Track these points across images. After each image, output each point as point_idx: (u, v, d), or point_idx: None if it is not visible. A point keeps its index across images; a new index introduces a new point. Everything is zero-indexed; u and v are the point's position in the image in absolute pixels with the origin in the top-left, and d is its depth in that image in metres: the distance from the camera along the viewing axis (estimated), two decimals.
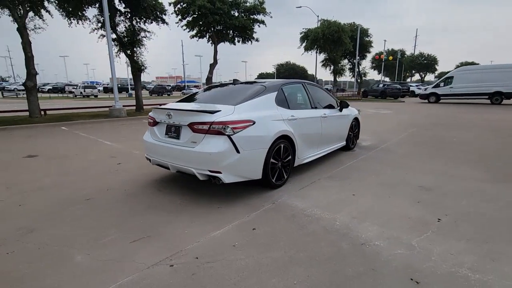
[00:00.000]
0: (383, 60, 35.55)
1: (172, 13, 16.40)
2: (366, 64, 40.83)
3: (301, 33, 29.08)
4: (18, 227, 2.86)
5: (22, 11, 10.75)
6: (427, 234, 2.70)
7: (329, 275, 2.14)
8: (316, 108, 4.86)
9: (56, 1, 12.20)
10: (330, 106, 5.48)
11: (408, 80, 58.66)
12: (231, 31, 18.85)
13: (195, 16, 16.84)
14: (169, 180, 4.29)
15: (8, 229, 2.84)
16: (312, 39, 27.31)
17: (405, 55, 52.02)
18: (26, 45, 10.52)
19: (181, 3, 16.12)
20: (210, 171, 3.29)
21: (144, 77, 16.82)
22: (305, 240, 2.62)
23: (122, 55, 13.89)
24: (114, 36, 13.25)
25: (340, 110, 5.58)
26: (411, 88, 32.06)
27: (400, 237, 2.65)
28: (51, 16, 12.20)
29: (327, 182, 4.20)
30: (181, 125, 3.50)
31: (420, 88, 28.14)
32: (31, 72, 10.72)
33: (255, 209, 3.28)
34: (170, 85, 58.43)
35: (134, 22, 13.63)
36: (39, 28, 11.20)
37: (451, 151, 6.04)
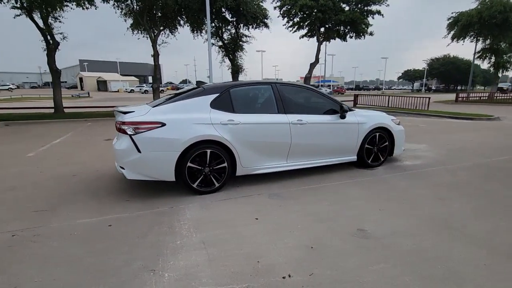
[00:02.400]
0: None
1: (278, 16, 17.08)
2: None
3: (448, 18, 23.28)
4: (10, 185, 4.18)
5: (156, 31, 14.17)
6: (229, 287, 2.04)
7: None
8: (288, 113, 4.17)
9: (189, 22, 15.23)
10: (332, 112, 4.54)
11: None
12: (341, 26, 17.67)
13: (300, 16, 16.85)
14: None
15: (3, 183, 4.18)
16: (463, 25, 21.37)
17: None
18: (155, 56, 13.84)
19: (286, 6, 16.49)
20: (120, 166, 3.62)
21: (289, 77, 18.68)
22: (108, 256, 2.54)
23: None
24: (220, 43, 15.25)
25: (342, 117, 4.50)
26: None
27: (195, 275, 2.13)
28: (178, 33, 15.42)
29: (259, 199, 3.63)
30: None
31: None
32: (156, 77, 14.04)
33: (146, 209, 3.36)
34: None
35: (238, 30, 15.18)
36: (165, 43, 14.44)
37: None
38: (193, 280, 2.11)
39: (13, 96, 36.34)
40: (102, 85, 64.58)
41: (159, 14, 14.26)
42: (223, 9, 14.97)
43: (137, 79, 69.30)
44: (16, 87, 62.98)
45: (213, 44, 15.36)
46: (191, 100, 3.81)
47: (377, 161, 4.97)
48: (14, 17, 13.14)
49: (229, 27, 15.35)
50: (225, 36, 15.21)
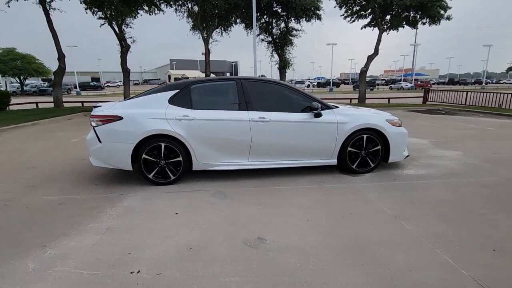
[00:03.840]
0: None
1: (334, 7, 16.02)
2: None
3: None
4: (34, 164, 5.16)
5: (209, 31, 15.06)
6: (79, 271, 2.17)
7: None
8: (251, 110, 4.01)
9: (239, 19, 15.79)
10: (307, 110, 4.19)
11: None
12: (411, 12, 15.53)
13: (360, 4, 15.45)
14: None
15: (31, 161, 5.18)
16: None
17: None
18: (206, 54, 14.75)
19: None
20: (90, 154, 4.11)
21: (370, 71, 17.58)
22: (31, 229, 2.95)
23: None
24: (270, 39, 15.23)
25: (316, 115, 4.08)
26: None
27: None
28: (231, 31, 16.05)
29: (201, 195, 3.63)
30: None
31: None
32: (206, 73, 14.96)
33: (100, 193, 3.74)
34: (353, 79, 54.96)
35: (287, 24, 14.89)
36: (216, 41, 15.23)
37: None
38: (62, 260, 2.32)
39: (116, 92, 43.72)
40: None
41: (216, 12, 15.05)
42: (274, 3, 14.87)
43: (214, 75, 74.61)
44: (123, 84, 75.56)
45: (262, 40, 15.48)
46: (151, 96, 4.04)
47: (365, 167, 4.34)
48: (100, 26, 15.78)
49: (279, 22, 15.16)
50: (274, 31, 15.07)
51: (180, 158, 3.93)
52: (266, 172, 4.35)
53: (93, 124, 3.88)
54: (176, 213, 3.15)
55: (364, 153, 4.30)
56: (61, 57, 13.70)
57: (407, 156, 4.59)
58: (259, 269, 2.17)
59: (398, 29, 17.03)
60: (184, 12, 15.68)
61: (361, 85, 15.78)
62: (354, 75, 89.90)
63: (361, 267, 2.16)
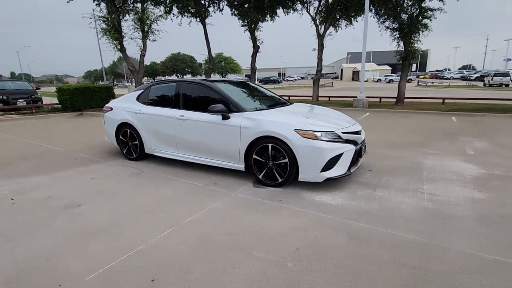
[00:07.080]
0: None
1: None
2: None
3: None
4: (98, 141, 7.88)
5: (326, 26, 14.66)
6: None
7: None
8: (182, 108, 4.55)
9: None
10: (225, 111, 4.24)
11: None
12: None
13: None
14: None
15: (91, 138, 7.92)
16: None
17: None
18: (318, 50, 14.53)
19: None
20: None
21: None
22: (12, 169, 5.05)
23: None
24: (395, 25, 12.83)
25: (224, 118, 4.05)
26: None
27: None
28: (356, 21, 14.80)
29: (128, 171, 4.66)
30: None
31: None
32: (317, 69, 14.75)
33: (99, 159, 5.57)
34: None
35: (421, 3, 11.92)
36: (331, 35, 14.53)
37: None
38: (8, 186, 4.17)
39: (291, 85, 49.10)
40: (355, 75, 69.30)
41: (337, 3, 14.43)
42: None
43: (390, 68, 67.21)
44: (301, 78, 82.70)
45: (387, 27, 13.07)
46: (131, 93, 5.41)
47: (273, 180, 3.81)
48: (244, 32, 18.88)
49: (414, 1, 12.15)
50: (403, 15, 12.19)
51: (137, 142, 5.12)
52: (197, 166, 4.72)
53: (104, 112, 5.76)
54: (92, 178, 4.42)
55: (272, 164, 3.78)
56: (210, 60, 17.81)
57: (333, 177, 3.53)
58: (34, 220, 3.08)
59: None
60: (304, 9, 15.81)
61: None
62: None
63: None
